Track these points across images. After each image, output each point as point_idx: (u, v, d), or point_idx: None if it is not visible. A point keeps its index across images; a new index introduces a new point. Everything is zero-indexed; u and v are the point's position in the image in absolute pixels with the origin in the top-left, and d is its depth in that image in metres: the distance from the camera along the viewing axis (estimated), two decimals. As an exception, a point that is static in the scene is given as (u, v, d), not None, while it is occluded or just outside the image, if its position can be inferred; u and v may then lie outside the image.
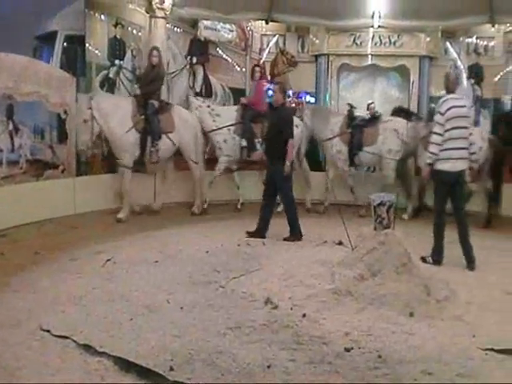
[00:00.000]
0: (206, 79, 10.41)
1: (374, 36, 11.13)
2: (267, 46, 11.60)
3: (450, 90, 5.83)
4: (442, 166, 5.66)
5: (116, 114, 7.68)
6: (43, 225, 6.99)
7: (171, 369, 3.24)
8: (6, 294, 4.53)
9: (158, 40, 9.11)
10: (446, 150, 5.63)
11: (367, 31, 11.07)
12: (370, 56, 11.27)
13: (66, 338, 3.66)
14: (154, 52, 7.93)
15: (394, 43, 11.19)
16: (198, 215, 8.31)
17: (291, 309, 4.17)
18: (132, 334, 3.75)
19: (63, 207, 7.46)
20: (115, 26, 9.35)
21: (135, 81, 9.29)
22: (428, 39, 11.06)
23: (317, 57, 11.53)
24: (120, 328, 3.86)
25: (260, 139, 8.50)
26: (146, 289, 4.71)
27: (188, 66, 10.29)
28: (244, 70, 11.57)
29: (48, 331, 3.75)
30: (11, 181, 7.00)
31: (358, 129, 8.84)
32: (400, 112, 9.38)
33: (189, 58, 10.31)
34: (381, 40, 11.21)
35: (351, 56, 11.40)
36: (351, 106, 9.32)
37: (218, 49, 11.10)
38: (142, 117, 7.70)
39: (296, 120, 8.02)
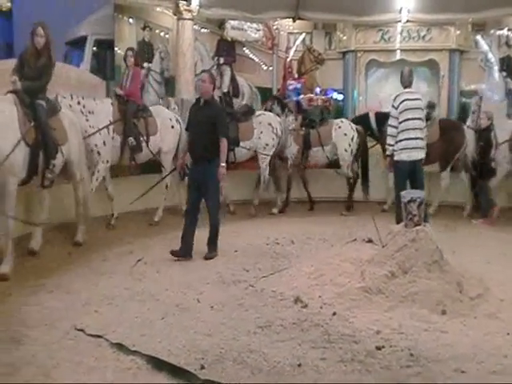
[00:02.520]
0: (233, 79, 10.45)
1: (402, 31, 10.99)
2: (294, 44, 11.56)
3: (404, 85, 6.27)
4: (399, 157, 6.11)
5: None
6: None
7: (202, 367, 3.27)
8: (41, 294, 4.63)
9: (185, 41, 9.17)
10: (401, 140, 6.07)
11: (395, 26, 10.93)
12: (398, 51, 11.13)
13: (100, 337, 3.73)
14: (39, 30, 5.51)
15: (423, 37, 11.02)
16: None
17: (321, 307, 4.15)
18: (163, 332, 3.80)
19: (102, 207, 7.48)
20: (143, 29, 9.49)
21: (163, 83, 9.41)
22: (458, 32, 10.84)
23: (344, 53, 11.45)
24: (152, 327, 3.91)
25: (145, 138, 7.43)
26: (176, 288, 4.76)
27: (215, 67, 10.34)
28: (271, 68, 11.58)
29: (82, 330, 3.83)
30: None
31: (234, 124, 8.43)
32: (275, 101, 9.33)
33: (216, 58, 10.37)
34: (409, 34, 11.05)
35: (379, 52, 11.28)
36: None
37: (244, 48, 11.14)
38: (32, 124, 5.34)
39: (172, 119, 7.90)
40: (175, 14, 9.28)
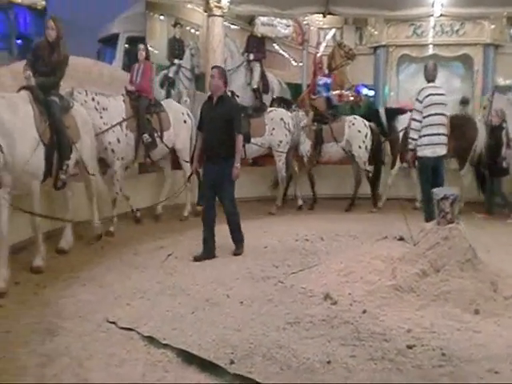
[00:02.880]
0: (263, 75, 10.46)
1: (435, 25, 10.84)
2: (324, 39, 11.50)
3: (428, 79, 6.23)
4: (423, 153, 6.06)
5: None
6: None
7: (232, 362, 3.29)
8: (74, 287, 4.74)
9: (215, 38, 9.21)
10: (426, 135, 6.01)
11: (428, 20, 10.79)
12: (431, 46, 10.98)
13: (131, 330, 3.78)
14: (50, 23, 5.39)
15: (457, 32, 10.84)
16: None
17: (351, 305, 4.12)
18: (193, 327, 3.83)
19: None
20: (174, 26, 9.59)
21: (194, 79, 9.46)
22: (492, 26, 10.62)
23: (375, 48, 11.35)
24: (182, 321, 3.95)
25: (159, 134, 7.32)
26: (206, 283, 4.80)
27: (245, 63, 10.36)
28: (301, 64, 11.54)
29: (114, 323, 3.90)
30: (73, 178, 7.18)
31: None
32: (280, 102, 9.16)
33: (246, 54, 10.39)
34: (442, 29, 10.89)
35: (411, 46, 11.15)
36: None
37: (274, 44, 11.12)
38: (47, 123, 5.11)
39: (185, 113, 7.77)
40: (205, 11, 9.34)
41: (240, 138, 5.57)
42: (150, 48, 9.13)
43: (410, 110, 7.09)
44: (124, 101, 7.09)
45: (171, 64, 9.58)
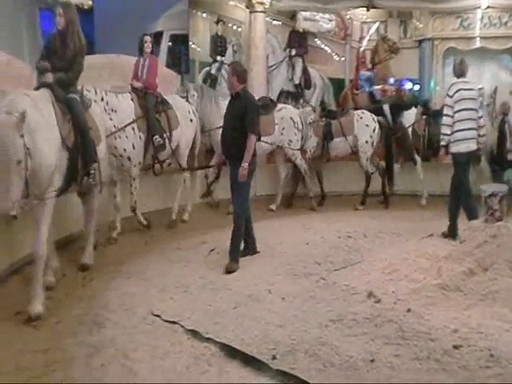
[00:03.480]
0: (305, 71, 10.40)
1: (482, 17, 10.51)
2: (367, 33, 11.34)
3: (457, 74, 6.12)
4: (457, 148, 5.94)
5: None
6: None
7: (274, 357, 3.30)
8: (119, 280, 4.84)
9: (257, 34, 9.22)
10: (460, 131, 5.90)
11: (475, 12, 10.46)
12: (478, 39, 10.66)
13: (175, 323, 3.85)
14: (58, 10, 4.75)
15: (505, 24, 10.49)
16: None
17: (395, 303, 4.06)
18: (236, 322, 3.86)
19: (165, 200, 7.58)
20: (217, 23, 9.65)
21: None
22: (543, 18, 10.22)
23: (420, 42, 11.11)
24: (224, 316, 3.99)
25: (168, 134, 6.62)
26: (248, 279, 4.82)
27: (287, 59, 10.33)
28: (343, 59, 11.42)
29: (158, 316, 3.97)
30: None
31: None
32: (287, 96, 8.78)
33: (288, 50, 10.35)
34: (490, 21, 10.56)
35: (458, 39, 10.86)
36: None
37: (316, 39, 11.04)
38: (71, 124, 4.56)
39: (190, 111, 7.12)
40: (248, 7, 9.35)
41: (252, 138, 5.11)
42: (192, 45, 9.26)
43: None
44: (132, 99, 6.38)
45: (214, 61, 9.65)
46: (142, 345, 3.53)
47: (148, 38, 6.68)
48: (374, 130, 8.47)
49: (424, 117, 8.69)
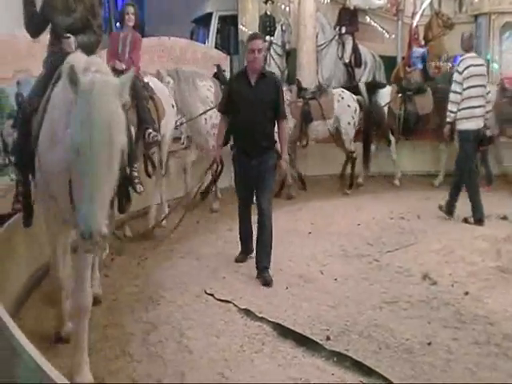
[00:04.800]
0: (355, 49, 10.17)
1: (543, -11, 9.94)
2: (420, 8, 10.94)
3: (465, 49, 5.97)
4: (468, 126, 5.79)
5: None
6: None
7: (328, 338, 3.29)
8: (173, 259, 4.93)
9: (306, 12, 9.07)
10: (468, 108, 5.76)
11: (537, -17, 9.91)
12: (537, 12, 10.11)
13: (228, 302, 3.88)
14: None
15: None
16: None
17: (452, 286, 3.97)
18: (288, 302, 3.87)
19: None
20: (265, 2, 9.55)
21: (284, 55, 9.35)
22: None
23: (476, 17, 10.64)
24: (276, 296, 4.00)
25: (157, 125, 5.34)
26: (299, 259, 4.81)
27: (337, 37, 10.13)
28: (394, 36, 11.10)
29: (212, 295, 4.01)
30: (174, 155, 7.36)
31: None
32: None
33: (337, 28, 10.14)
34: (550, -6, 9.98)
35: (516, 13, 10.32)
36: None
37: (366, 16, 10.76)
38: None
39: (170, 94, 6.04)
40: (297, -15, 9.19)
41: (285, 125, 4.63)
42: (241, 26, 9.20)
43: None
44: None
45: (263, 41, 9.56)
46: (197, 323, 3.57)
47: (131, 9, 5.36)
48: (355, 111, 7.94)
49: (400, 95, 8.34)
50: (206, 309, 3.82)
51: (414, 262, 4.51)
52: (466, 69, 5.77)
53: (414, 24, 10.72)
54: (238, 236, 4.91)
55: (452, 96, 5.85)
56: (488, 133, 7.08)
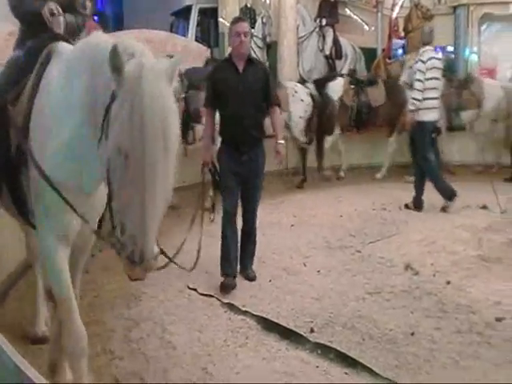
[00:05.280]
0: (336, 41, 10.14)
1: (521, -21, 10.02)
2: (400, 0, 10.96)
3: (427, 41, 6.13)
4: (427, 117, 5.92)
5: None
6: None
7: (312, 331, 3.28)
8: (155, 254, 4.86)
9: (287, 5, 9.01)
10: (429, 99, 5.90)
11: (513, -26, 9.99)
12: (515, 3, 10.19)
13: (211, 296, 3.86)
14: None
15: (545, -14, 9.98)
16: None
17: (434, 275, 4.00)
18: (272, 295, 3.86)
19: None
20: (246, -6, 9.47)
21: (265, 48, 9.30)
22: None
23: (455, 8, 10.66)
24: (260, 289, 3.99)
25: None
26: (282, 252, 4.80)
27: (317, 29, 10.09)
28: (374, 28, 11.11)
29: (195, 290, 3.98)
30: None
31: None
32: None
33: (318, 20, 10.10)
34: (529, -16, 10.06)
35: (494, 4, 10.38)
36: None
37: (346, 8, 10.75)
38: None
39: None
40: (277, -23, 9.13)
41: (278, 111, 4.35)
42: (221, 19, 9.12)
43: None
44: None
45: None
46: (180, 318, 3.54)
47: None
48: (308, 105, 7.82)
49: (352, 87, 8.31)
50: (189, 304, 3.79)
51: (397, 252, 4.53)
52: (429, 60, 5.90)
53: (394, 16, 10.76)
54: (220, 255, 4.19)
55: (417, 84, 5.94)
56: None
